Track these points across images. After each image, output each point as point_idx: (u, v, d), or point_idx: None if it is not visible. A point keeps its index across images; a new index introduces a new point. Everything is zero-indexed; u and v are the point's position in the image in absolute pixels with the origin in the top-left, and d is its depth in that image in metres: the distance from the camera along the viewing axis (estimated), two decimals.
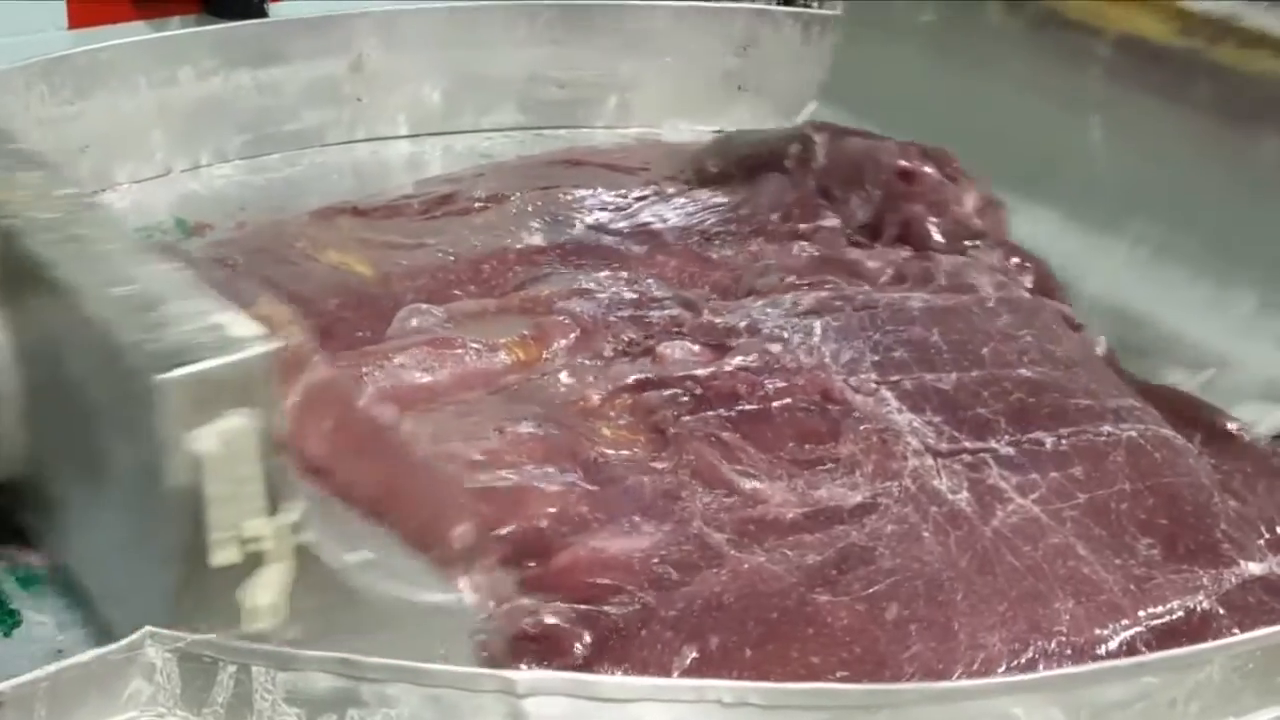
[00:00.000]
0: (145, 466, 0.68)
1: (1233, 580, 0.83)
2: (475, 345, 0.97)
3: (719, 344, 0.99)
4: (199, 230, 1.27)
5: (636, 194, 1.25)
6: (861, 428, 0.90)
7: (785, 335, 0.99)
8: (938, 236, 1.12)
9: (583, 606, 0.77)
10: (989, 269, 1.09)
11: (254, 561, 0.69)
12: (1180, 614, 0.81)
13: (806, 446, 0.89)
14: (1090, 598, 0.80)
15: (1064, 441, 0.90)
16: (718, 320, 1.01)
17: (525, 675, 0.64)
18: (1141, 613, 0.80)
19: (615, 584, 0.79)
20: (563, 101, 1.54)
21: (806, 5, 1.85)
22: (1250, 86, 1.05)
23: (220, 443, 0.66)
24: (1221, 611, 0.81)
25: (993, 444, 0.90)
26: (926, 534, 0.82)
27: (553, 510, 0.84)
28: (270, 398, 0.68)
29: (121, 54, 1.34)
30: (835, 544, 0.82)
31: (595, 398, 0.94)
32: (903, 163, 1.17)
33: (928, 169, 1.16)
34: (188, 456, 0.66)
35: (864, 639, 0.77)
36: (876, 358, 0.97)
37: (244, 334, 0.68)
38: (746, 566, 0.80)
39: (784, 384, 0.94)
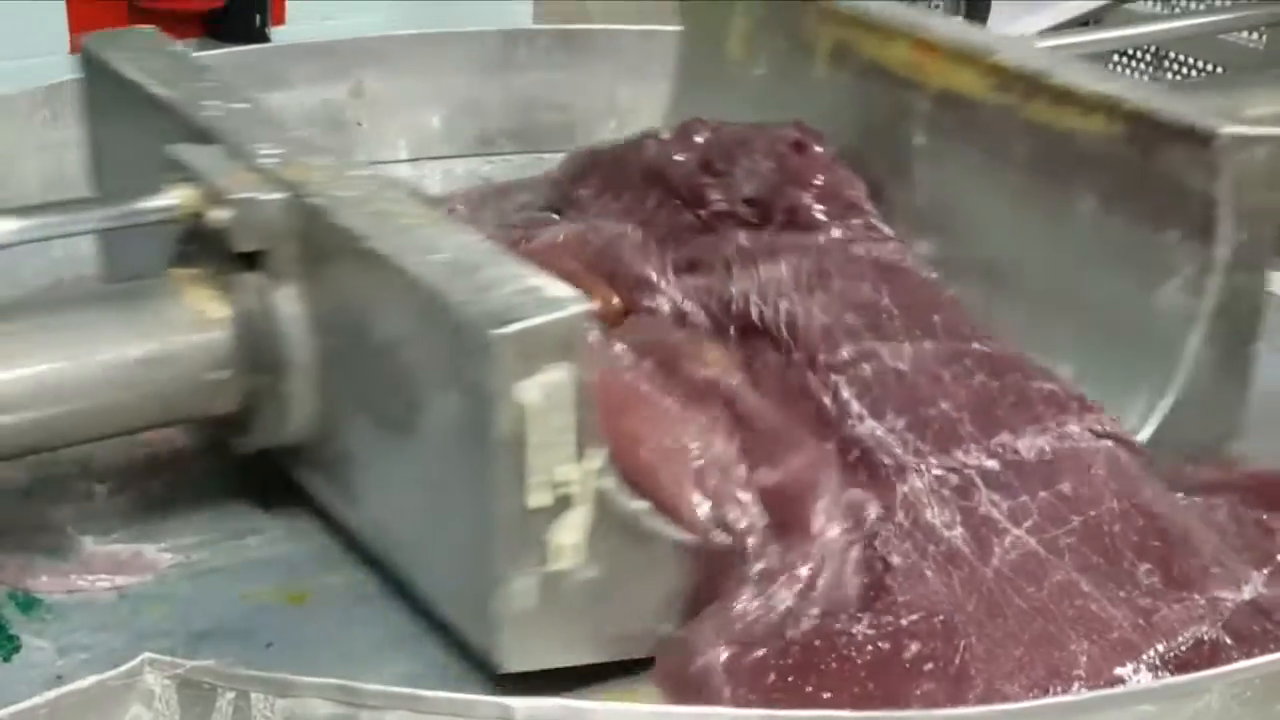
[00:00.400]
0: (468, 417, 0.76)
1: (1229, 604, 0.83)
2: None
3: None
4: None
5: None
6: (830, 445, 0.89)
7: (751, 301, 0.99)
8: (825, 219, 1.09)
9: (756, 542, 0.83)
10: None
11: (562, 505, 0.76)
12: (1191, 645, 0.80)
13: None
14: (1103, 636, 0.79)
15: (1046, 448, 0.88)
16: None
17: (522, 702, 0.64)
18: (1156, 649, 0.79)
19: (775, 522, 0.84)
20: (562, 125, 1.54)
21: None
22: (1062, 145, 1.01)
23: (542, 394, 0.74)
24: (1229, 641, 0.81)
25: (968, 457, 0.88)
26: (929, 573, 0.82)
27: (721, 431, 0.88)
28: (586, 352, 0.75)
29: None
30: (869, 570, 0.82)
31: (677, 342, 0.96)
32: (797, 135, 1.14)
33: (820, 148, 1.13)
34: (514, 406, 0.73)
35: (881, 678, 0.76)
36: (827, 320, 0.96)
37: (562, 294, 0.77)
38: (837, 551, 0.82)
39: (769, 365, 0.95)
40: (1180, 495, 0.92)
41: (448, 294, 0.77)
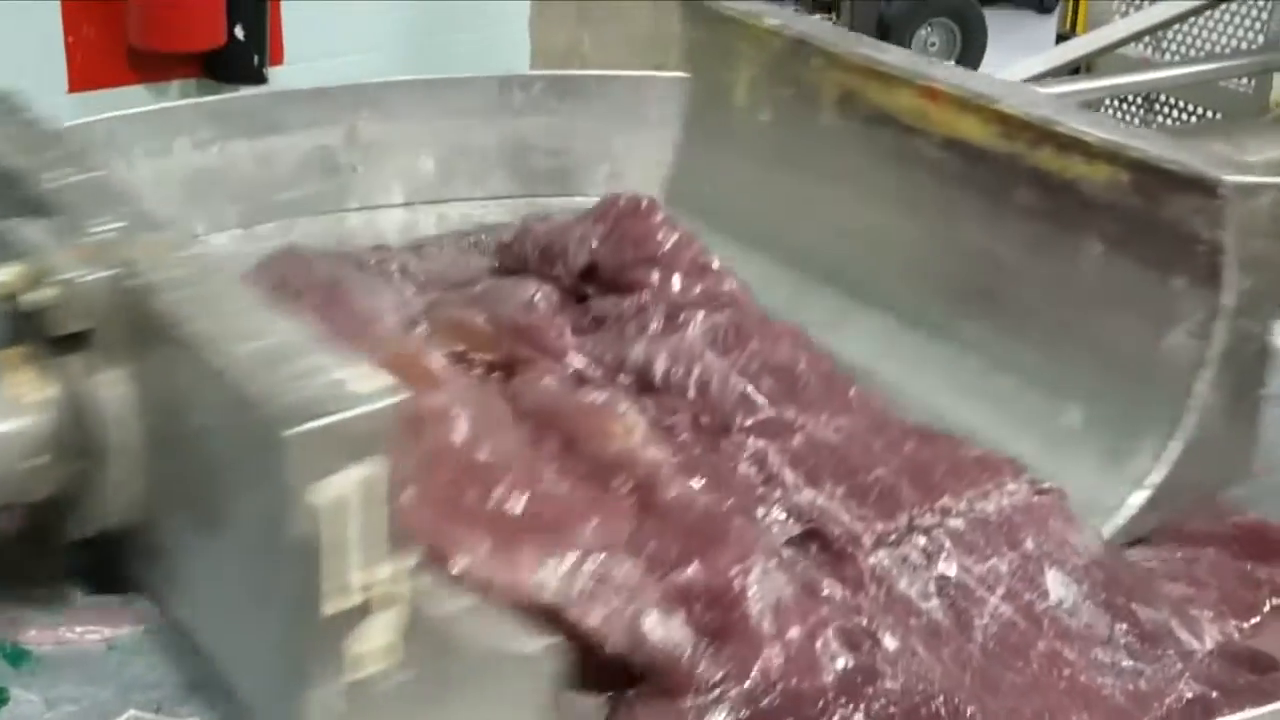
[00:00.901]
0: (267, 516, 0.71)
1: (1201, 654, 0.83)
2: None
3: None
4: None
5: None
6: (773, 517, 0.89)
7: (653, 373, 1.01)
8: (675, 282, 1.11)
9: (690, 646, 0.79)
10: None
11: (369, 608, 0.71)
12: (1181, 705, 0.80)
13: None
14: (1099, 707, 0.79)
15: (1005, 504, 0.89)
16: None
17: None
18: (1151, 714, 0.80)
19: (719, 621, 0.79)
20: (555, 170, 1.55)
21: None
22: (1069, 193, 1.02)
23: (341, 494, 0.69)
24: (1215, 695, 0.81)
25: (918, 520, 0.88)
26: (919, 649, 0.81)
27: (622, 523, 0.85)
28: (390, 449, 0.70)
29: (118, 126, 1.35)
30: (860, 644, 0.80)
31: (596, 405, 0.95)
32: (629, 200, 1.16)
33: (657, 213, 1.15)
34: (310, 508, 0.68)
35: None
36: (743, 384, 0.97)
37: (368, 388, 0.71)
38: (800, 641, 0.79)
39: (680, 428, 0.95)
40: (1151, 553, 0.94)
41: (249, 387, 0.72)
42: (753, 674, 0.77)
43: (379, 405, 0.70)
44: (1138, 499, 0.96)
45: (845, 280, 1.19)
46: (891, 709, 0.77)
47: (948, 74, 1.15)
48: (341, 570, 0.69)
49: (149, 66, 2.20)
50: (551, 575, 0.80)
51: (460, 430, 0.89)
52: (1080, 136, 1.02)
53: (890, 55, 1.18)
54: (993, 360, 1.07)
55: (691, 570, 0.81)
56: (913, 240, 1.15)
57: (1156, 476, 0.96)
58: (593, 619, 0.79)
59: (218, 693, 0.82)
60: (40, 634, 0.86)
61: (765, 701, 0.76)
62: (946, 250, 1.13)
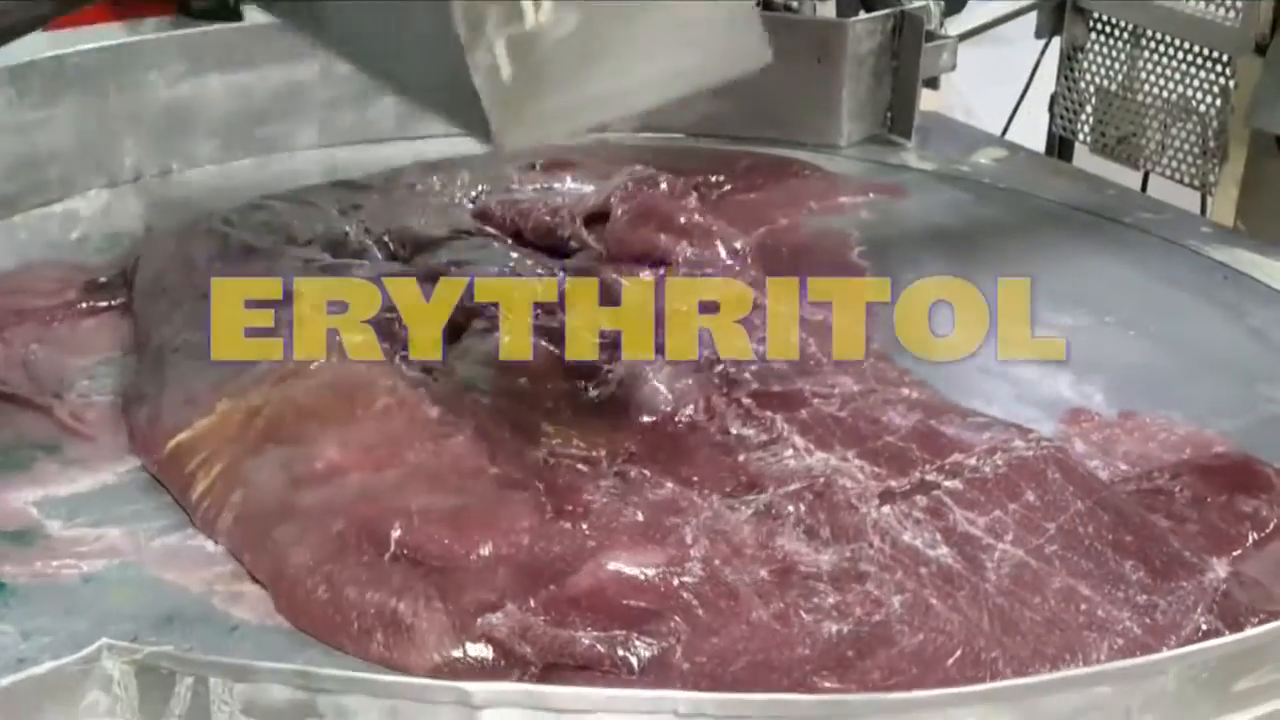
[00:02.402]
0: None
1: (1212, 587, 0.83)
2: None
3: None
4: None
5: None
6: (780, 468, 0.90)
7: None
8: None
9: (620, 632, 0.78)
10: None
11: None
12: (1199, 635, 0.80)
13: (728, 490, 0.89)
14: (1118, 640, 0.79)
15: (1000, 464, 0.89)
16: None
17: (481, 687, 0.64)
18: (1169, 646, 0.79)
19: (651, 608, 0.79)
20: None
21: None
22: None
23: None
24: (1226, 631, 0.80)
25: (929, 478, 0.89)
26: (934, 600, 0.80)
27: (528, 524, 0.84)
28: None
29: (90, 59, 1.34)
30: (852, 612, 0.79)
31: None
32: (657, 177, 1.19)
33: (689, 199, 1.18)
34: None
35: None
36: (754, 368, 0.99)
37: None
38: (765, 622, 0.79)
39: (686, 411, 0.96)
40: (1132, 486, 0.94)
41: None
42: (705, 650, 0.77)
43: None
44: None
45: None
46: (893, 680, 0.76)
47: None
48: None
49: (125, 5, 2.18)
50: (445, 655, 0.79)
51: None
52: None
53: None
54: None
55: (606, 566, 0.81)
56: None
57: None
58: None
59: (193, 624, 0.82)
60: (15, 567, 0.86)
61: (727, 675, 0.76)
62: None
